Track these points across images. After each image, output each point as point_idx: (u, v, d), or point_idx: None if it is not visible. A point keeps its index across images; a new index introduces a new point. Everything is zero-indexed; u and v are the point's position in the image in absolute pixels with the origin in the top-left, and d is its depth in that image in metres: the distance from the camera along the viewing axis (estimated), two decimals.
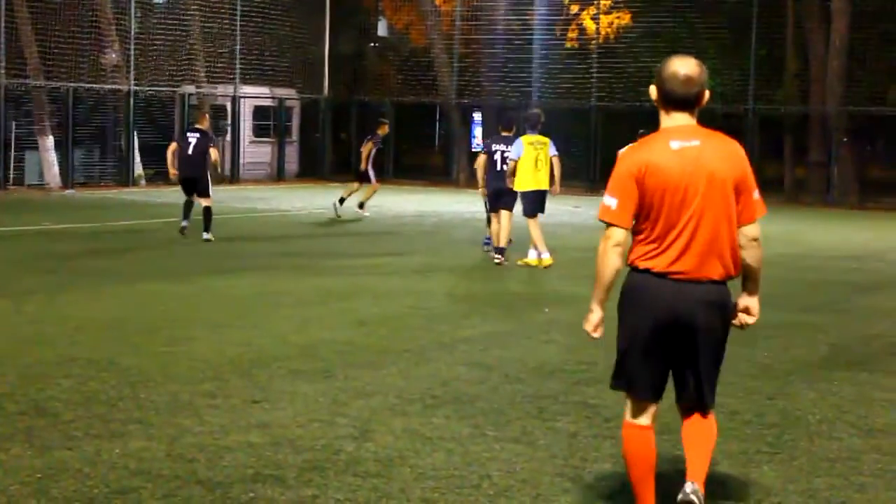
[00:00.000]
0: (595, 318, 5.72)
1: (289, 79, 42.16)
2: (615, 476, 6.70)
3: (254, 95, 40.94)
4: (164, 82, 38.08)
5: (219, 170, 22.35)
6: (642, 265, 5.60)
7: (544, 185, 17.61)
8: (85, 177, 36.05)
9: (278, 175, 41.58)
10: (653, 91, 5.67)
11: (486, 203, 18.94)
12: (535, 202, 17.58)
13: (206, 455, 6.89)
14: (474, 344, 10.89)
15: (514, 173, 17.36)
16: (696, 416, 5.82)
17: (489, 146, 18.47)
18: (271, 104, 41.77)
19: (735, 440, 7.59)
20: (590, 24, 40.96)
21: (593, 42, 40.43)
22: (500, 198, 17.96)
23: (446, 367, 9.76)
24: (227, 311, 12.67)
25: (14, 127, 33.98)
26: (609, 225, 5.59)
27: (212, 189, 21.13)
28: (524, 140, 17.41)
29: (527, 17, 41.26)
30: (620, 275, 5.69)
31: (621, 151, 5.59)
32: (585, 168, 39.05)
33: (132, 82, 36.35)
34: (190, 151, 20.77)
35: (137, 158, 36.84)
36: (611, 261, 5.59)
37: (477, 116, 43.27)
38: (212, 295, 14.03)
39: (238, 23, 39.71)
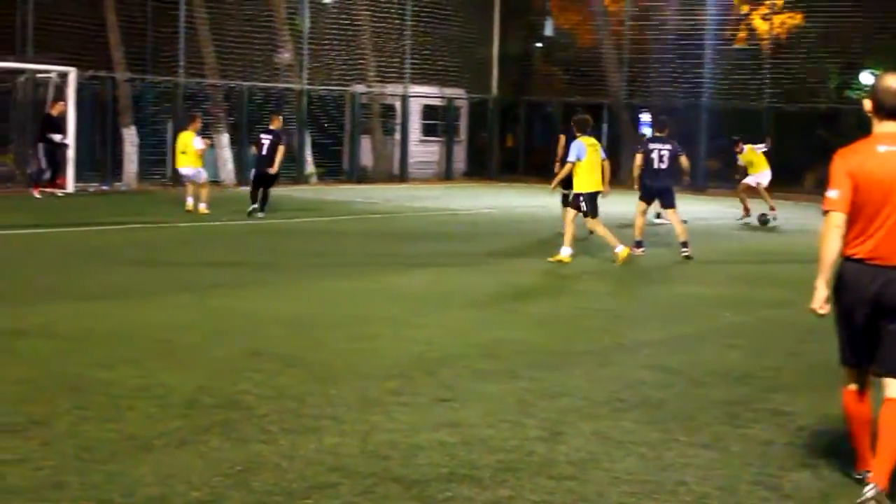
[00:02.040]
0: (821, 296, 6.30)
1: (457, 78, 42.32)
2: (814, 486, 6.56)
3: (423, 95, 41.21)
4: (335, 81, 38.59)
5: (275, 165, 24.56)
6: (850, 253, 6.32)
7: (600, 187, 17.90)
8: None
9: (446, 174, 41.84)
10: (867, 103, 6.37)
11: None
12: (595, 202, 17.81)
13: (399, 453, 6.93)
14: (657, 347, 10.78)
15: (568, 174, 17.88)
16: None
17: (647, 146, 19.35)
18: (440, 104, 42.00)
19: None
20: (760, 24, 40.31)
21: (765, 41, 39.78)
22: (661, 196, 18.99)
23: (630, 370, 9.67)
24: (405, 308, 12.76)
25: None
26: (829, 212, 6.31)
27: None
28: (585, 142, 17.72)
29: (697, 17, 40.74)
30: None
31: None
32: None
33: (305, 81, 36.92)
34: (264, 151, 24.01)
35: (309, 157, 37.40)
36: (831, 242, 6.27)
37: (645, 117, 42.84)
38: (389, 293, 14.14)
39: (408, 22, 40.02)
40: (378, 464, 6.70)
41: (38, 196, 27.48)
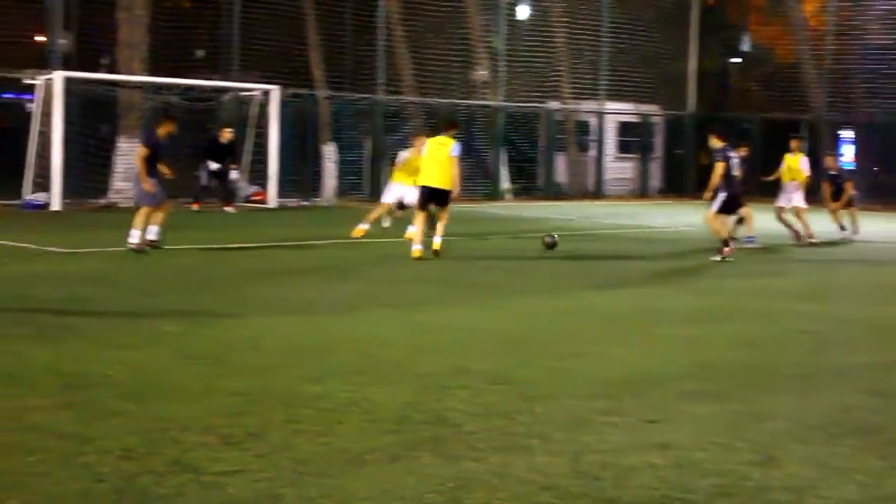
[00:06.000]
0: None
1: (653, 94, 41.99)
2: None
3: (618, 111, 41.01)
4: (531, 98, 38.64)
5: None
6: None
7: (441, 184, 18.82)
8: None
9: (641, 191, 41.53)
10: None
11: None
12: (425, 197, 19.04)
13: (610, 473, 6.84)
14: (870, 371, 10.46)
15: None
16: None
17: (727, 154, 20.14)
18: (635, 120, 41.73)
19: None
20: None
21: None
22: (736, 200, 20.47)
23: (843, 393, 9.39)
24: (610, 327, 12.66)
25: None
26: None
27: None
28: (430, 140, 19.10)
29: None
30: None
31: None
32: None
33: (500, 98, 37.06)
34: None
35: (504, 173, 37.54)
36: None
37: (846, 134, 41.80)
38: (593, 311, 14.07)
39: (603, 39, 39.88)
40: (590, 484, 6.63)
41: (196, 209, 28.81)
